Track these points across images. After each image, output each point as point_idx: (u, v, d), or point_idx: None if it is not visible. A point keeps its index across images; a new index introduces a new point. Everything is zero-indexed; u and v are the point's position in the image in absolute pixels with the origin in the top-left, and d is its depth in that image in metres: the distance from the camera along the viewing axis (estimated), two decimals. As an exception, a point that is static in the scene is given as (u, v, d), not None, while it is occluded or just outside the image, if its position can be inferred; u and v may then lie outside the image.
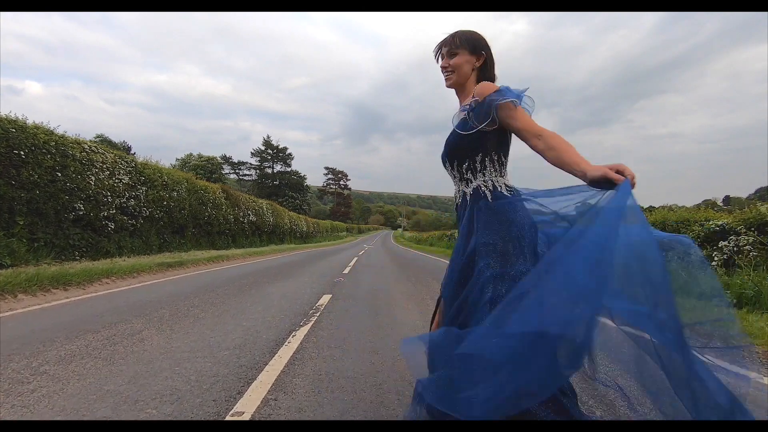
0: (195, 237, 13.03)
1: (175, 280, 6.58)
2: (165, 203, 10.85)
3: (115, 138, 35.64)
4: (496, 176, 1.26)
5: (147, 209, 9.95)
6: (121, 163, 9.09)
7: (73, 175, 7.38)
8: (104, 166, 8.34)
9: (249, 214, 17.94)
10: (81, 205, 7.52)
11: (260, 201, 21.19)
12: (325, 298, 4.90)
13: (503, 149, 1.28)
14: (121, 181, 8.88)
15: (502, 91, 1.19)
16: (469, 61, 1.33)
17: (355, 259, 12.72)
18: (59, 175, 7.05)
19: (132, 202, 9.28)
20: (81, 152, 7.71)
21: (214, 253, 11.22)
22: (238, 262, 10.42)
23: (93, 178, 7.88)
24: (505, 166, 1.30)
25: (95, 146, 8.28)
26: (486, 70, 1.36)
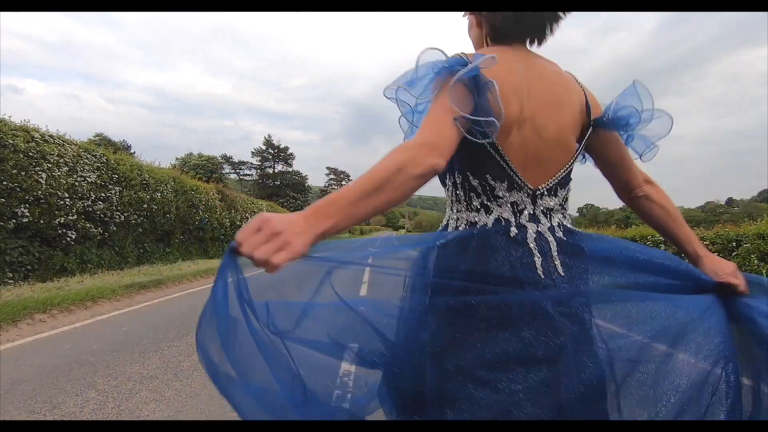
0: (183, 245, 11.36)
1: (141, 310, 4.93)
2: (146, 206, 9.18)
3: (116, 137, 34.43)
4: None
5: (122, 213, 8.28)
6: (87, 158, 7.42)
7: (14, 171, 5.70)
8: (61, 160, 6.66)
9: (247, 218, 16.28)
10: (25, 210, 5.85)
11: (259, 202, 19.54)
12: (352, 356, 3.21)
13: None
14: (85, 179, 7.20)
15: None
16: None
17: (367, 269, 11.04)
18: (-9, 170, 5.39)
19: (100, 204, 7.60)
20: (27, 142, 6.04)
21: (203, 265, 9.53)
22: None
23: (44, 175, 6.21)
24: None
25: (49, 136, 6.61)
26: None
